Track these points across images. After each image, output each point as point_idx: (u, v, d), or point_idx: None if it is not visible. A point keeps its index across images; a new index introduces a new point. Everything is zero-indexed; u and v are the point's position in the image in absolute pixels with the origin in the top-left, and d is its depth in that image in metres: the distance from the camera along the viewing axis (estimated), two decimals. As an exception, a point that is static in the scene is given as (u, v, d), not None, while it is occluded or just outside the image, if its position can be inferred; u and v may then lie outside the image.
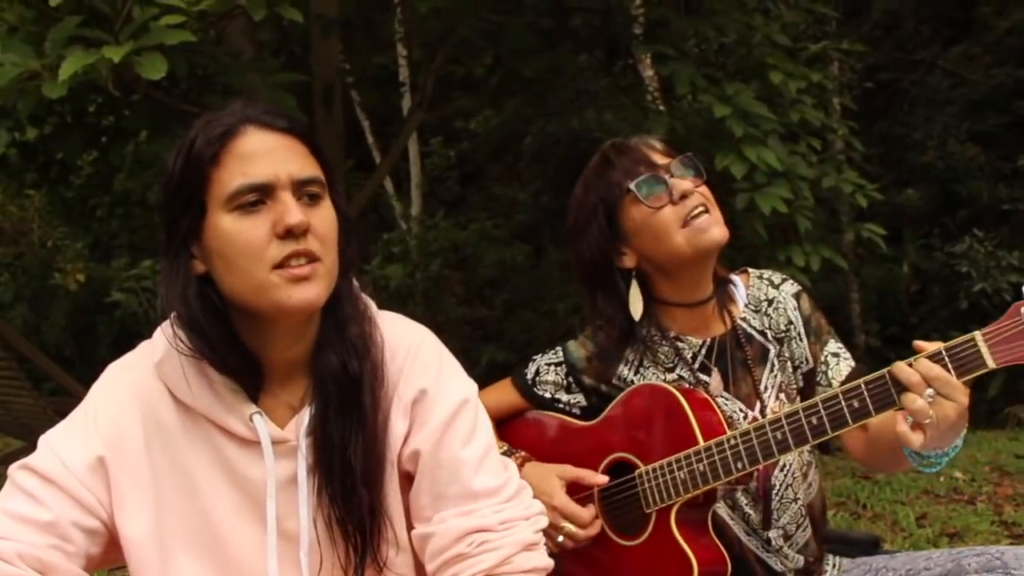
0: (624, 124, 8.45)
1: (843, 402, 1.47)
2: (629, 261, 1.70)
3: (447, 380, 1.34)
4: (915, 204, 7.04)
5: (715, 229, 1.64)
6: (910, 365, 1.40)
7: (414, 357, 1.33)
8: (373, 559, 1.28)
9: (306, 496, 1.26)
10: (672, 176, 1.65)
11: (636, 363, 1.76)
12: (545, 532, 1.63)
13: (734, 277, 1.77)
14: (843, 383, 1.66)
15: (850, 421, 1.47)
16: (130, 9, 2.74)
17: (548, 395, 1.82)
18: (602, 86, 6.17)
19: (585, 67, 5.91)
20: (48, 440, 1.27)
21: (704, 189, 1.67)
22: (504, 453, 1.71)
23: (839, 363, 1.72)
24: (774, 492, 1.69)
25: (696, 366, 1.72)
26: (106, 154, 4.96)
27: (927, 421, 1.38)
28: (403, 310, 1.41)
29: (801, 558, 1.71)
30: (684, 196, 1.64)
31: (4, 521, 1.21)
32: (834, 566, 1.77)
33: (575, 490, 1.69)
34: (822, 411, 1.49)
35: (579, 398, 1.80)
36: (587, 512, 1.66)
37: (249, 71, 3.70)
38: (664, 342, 1.73)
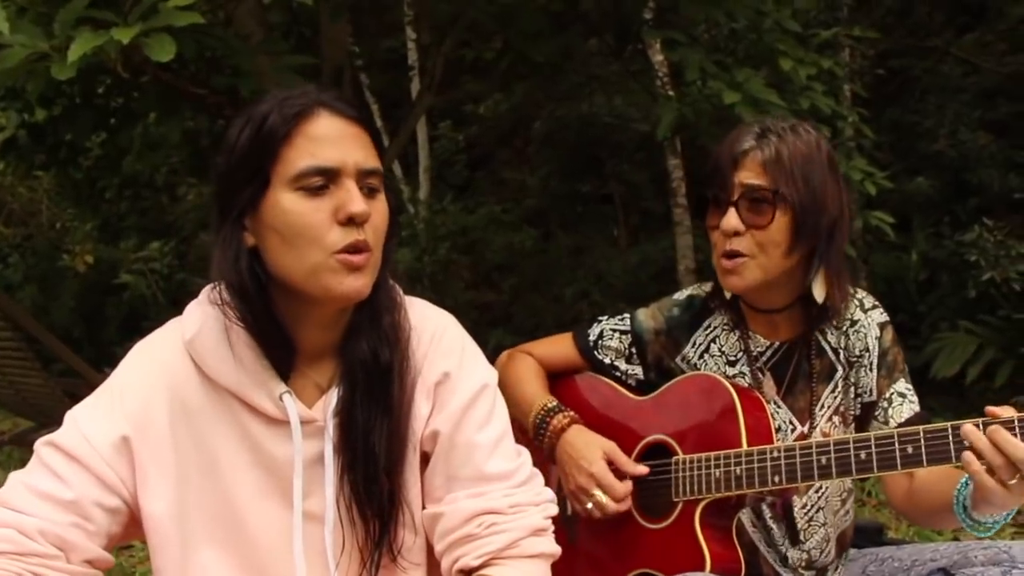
0: (633, 109, 8.43)
1: (896, 445, 1.43)
2: None
3: (469, 365, 1.36)
4: (925, 192, 6.99)
5: (733, 279, 1.60)
6: (983, 428, 1.35)
7: (439, 341, 1.35)
8: (389, 546, 1.30)
9: (332, 476, 1.28)
10: (733, 205, 1.57)
11: (703, 348, 1.74)
12: (575, 496, 1.65)
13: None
14: (901, 426, 1.62)
15: (899, 465, 1.42)
16: (139, -10, 2.73)
17: (608, 360, 1.80)
18: (612, 71, 6.13)
19: (595, 52, 5.87)
20: (74, 417, 1.28)
21: (762, 234, 1.57)
22: (553, 409, 1.73)
23: (903, 404, 1.67)
24: (803, 511, 1.67)
25: (758, 365, 1.69)
26: (115, 136, 4.96)
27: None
28: (411, 294, 1.42)
29: (814, 573, 1.70)
30: (725, 233, 1.59)
31: (27, 497, 1.22)
32: (840, 556, 1.77)
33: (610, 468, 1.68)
34: (873, 448, 1.45)
35: (637, 370, 1.79)
36: (621, 486, 1.65)
37: (258, 53, 3.68)
38: (734, 333, 1.71)
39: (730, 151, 1.60)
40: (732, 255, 1.59)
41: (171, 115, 4.15)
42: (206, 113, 4.71)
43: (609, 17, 5.22)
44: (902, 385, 1.69)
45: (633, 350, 1.79)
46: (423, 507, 1.35)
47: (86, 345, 9.33)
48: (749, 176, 1.57)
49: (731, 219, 1.57)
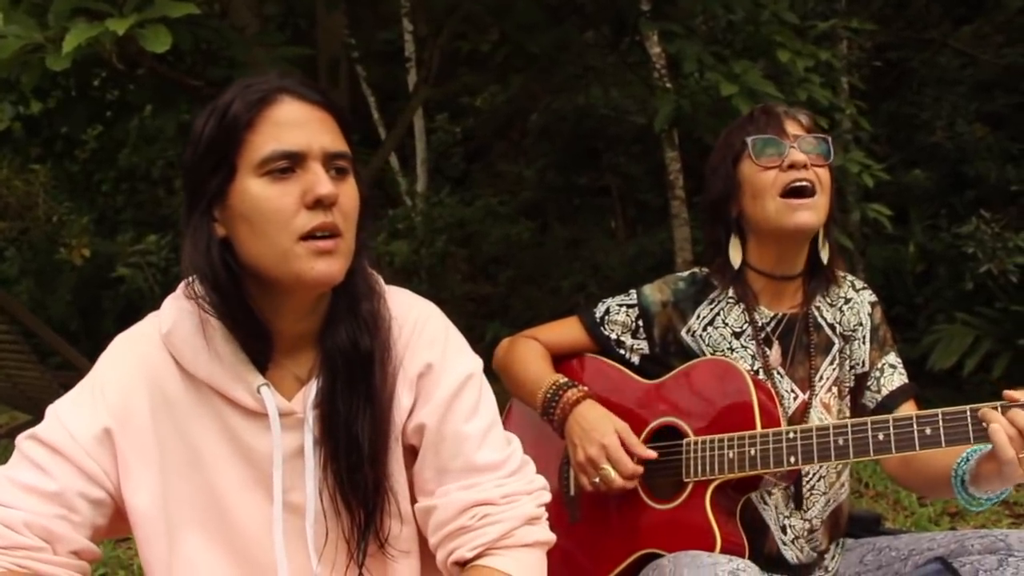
0: (630, 101, 8.42)
1: (915, 427, 1.45)
2: (735, 212, 1.73)
3: (453, 355, 1.34)
4: (922, 184, 6.99)
5: (805, 214, 1.65)
6: (1002, 412, 1.39)
7: (420, 332, 1.33)
8: (375, 535, 1.28)
9: (312, 469, 1.26)
10: (793, 146, 1.67)
11: (707, 320, 1.76)
12: (583, 468, 1.65)
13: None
14: (892, 392, 1.72)
15: (917, 446, 1.45)
16: (134, -19, 2.72)
17: (613, 336, 1.81)
18: (609, 63, 6.12)
19: (592, 44, 5.86)
20: (56, 410, 1.27)
21: (823, 172, 1.68)
22: (565, 384, 1.73)
23: (893, 375, 1.75)
24: (806, 479, 1.70)
25: (762, 337, 1.73)
26: (111, 128, 4.97)
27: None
28: (408, 286, 1.41)
29: (815, 555, 1.72)
30: (793, 167, 1.65)
31: (11, 490, 1.22)
32: (838, 545, 1.77)
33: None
34: (891, 430, 1.47)
35: (643, 345, 1.80)
36: (631, 463, 1.64)
37: (254, 45, 3.67)
38: (739, 306, 1.75)
39: (772, 110, 1.74)
40: (803, 188, 1.65)
41: (167, 107, 4.14)
42: (202, 105, 4.71)
43: (606, 9, 5.21)
44: (892, 358, 1.77)
45: (640, 323, 1.80)
46: (415, 500, 1.34)
47: (83, 338, 9.32)
48: (798, 128, 1.71)
49: (799, 153, 1.66)
